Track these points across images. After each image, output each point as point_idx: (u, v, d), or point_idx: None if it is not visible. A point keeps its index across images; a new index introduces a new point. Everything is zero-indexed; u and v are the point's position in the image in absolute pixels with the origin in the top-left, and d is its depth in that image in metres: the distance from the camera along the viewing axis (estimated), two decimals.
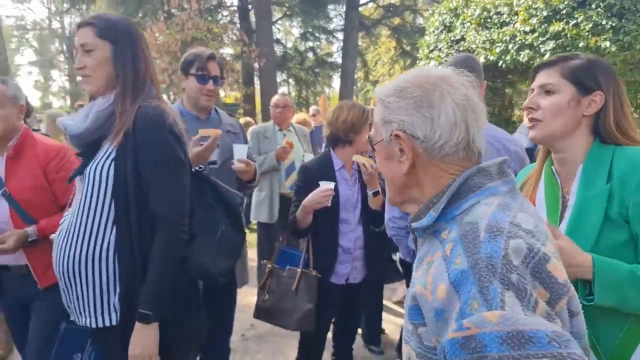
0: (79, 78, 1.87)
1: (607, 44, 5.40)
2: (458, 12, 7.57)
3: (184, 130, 1.84)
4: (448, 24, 7.80)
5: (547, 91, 1.49)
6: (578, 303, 0.93)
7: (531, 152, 3.75)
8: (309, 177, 2.75)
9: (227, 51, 19.76)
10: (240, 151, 2.72)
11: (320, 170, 2.78)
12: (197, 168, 1.94)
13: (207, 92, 2.57)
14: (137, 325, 1.66)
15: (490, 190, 0.98)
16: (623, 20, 5.48)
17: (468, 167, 1.02)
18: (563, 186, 1.51)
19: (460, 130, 1.00)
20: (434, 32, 8.08)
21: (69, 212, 1.86)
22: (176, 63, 15.76)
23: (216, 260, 1.88)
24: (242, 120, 8.60)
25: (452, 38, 7.59)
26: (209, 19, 16.44)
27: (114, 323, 1.73)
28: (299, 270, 2.69)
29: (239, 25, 19.04)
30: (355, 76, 21.59)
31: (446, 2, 7.90)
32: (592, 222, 1.36)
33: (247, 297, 4.71)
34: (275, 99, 4.75)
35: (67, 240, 1.74)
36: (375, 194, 2.79)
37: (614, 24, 5.46)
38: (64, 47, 40.05)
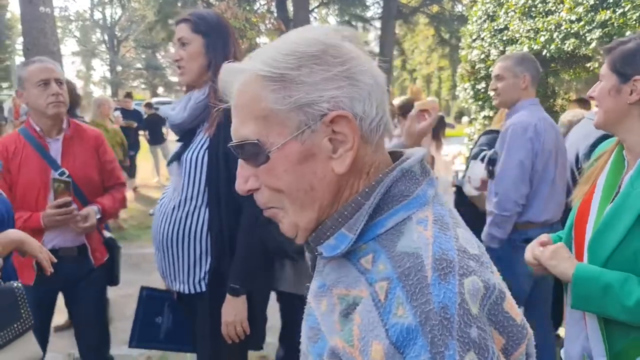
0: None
1: None
2: (502, 1, 7.53)
3: None
4: (491, 13, 7.77)
5: (600, 80, 1.50)
6: (533, 343, 0.76)
7: None
8: None
9: (264, 40, 20.01)
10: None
11: None
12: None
13: None
14: (228, 297, 1.89)
15: (419, 199, 0.75)
16: None
17: (386, 159, 0.80)
18: (627, 172, 1.46)
19: (384, 100, 0.77)
20: (476, 21, 8.06)
21: (167, 191, 2.09)
22: None
23: (284, 239, 2.04)
24: None
25: (496, 27, 7.56)
26: (247, 8, 16.65)
27: (202, 290, 1.97)
28: None
29: (276, 14, 19.21)
30: (392, 64, 21.50)
31: None
32: (624, 221, 1.32)
33: None
34: None
35: (168, 217, 1.97)
36: None
37: None
38: (105, 37, 41.11)
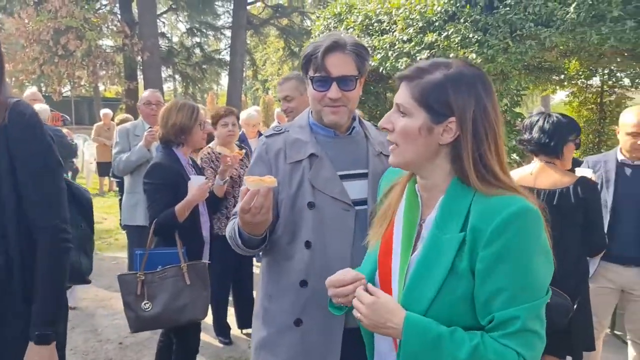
0: None
1: (474, 55, 5.88)
2: (342, 17, 7.81)
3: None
4: (332, 29, 8.02)
5: (401, 111, 1.28)
6: None
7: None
8: (169, 173, 2.79)
9: (107, 42, 18.74)
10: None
11: (174, 166, 2.84)
12: None
13: (329, 102, 1.72)
14: (35, 347, 1.55)
15: None
16: (487, 35, 6.00)
17: None
18: (423, 211, 1.33)
19: None
20: (319, 35, 8.28)
21: None
22: (47, 52, 14.65)
23: (81, 260, 1.82)
24: (120, 116, 8.17)
25: None
26: (86, 7, 15.52)
27: None
28: (184, 264, 2.69)
29: (120, 16, 18.08)
30: (244, 74, 21.46)
31: (331, 7, 8.13)
32: (439, 270, 1.21)
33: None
34: (148, 95, 4.45)
35: None
36: (225, 182, 3.33)
37: (479, 38, 5.96)
38: None
